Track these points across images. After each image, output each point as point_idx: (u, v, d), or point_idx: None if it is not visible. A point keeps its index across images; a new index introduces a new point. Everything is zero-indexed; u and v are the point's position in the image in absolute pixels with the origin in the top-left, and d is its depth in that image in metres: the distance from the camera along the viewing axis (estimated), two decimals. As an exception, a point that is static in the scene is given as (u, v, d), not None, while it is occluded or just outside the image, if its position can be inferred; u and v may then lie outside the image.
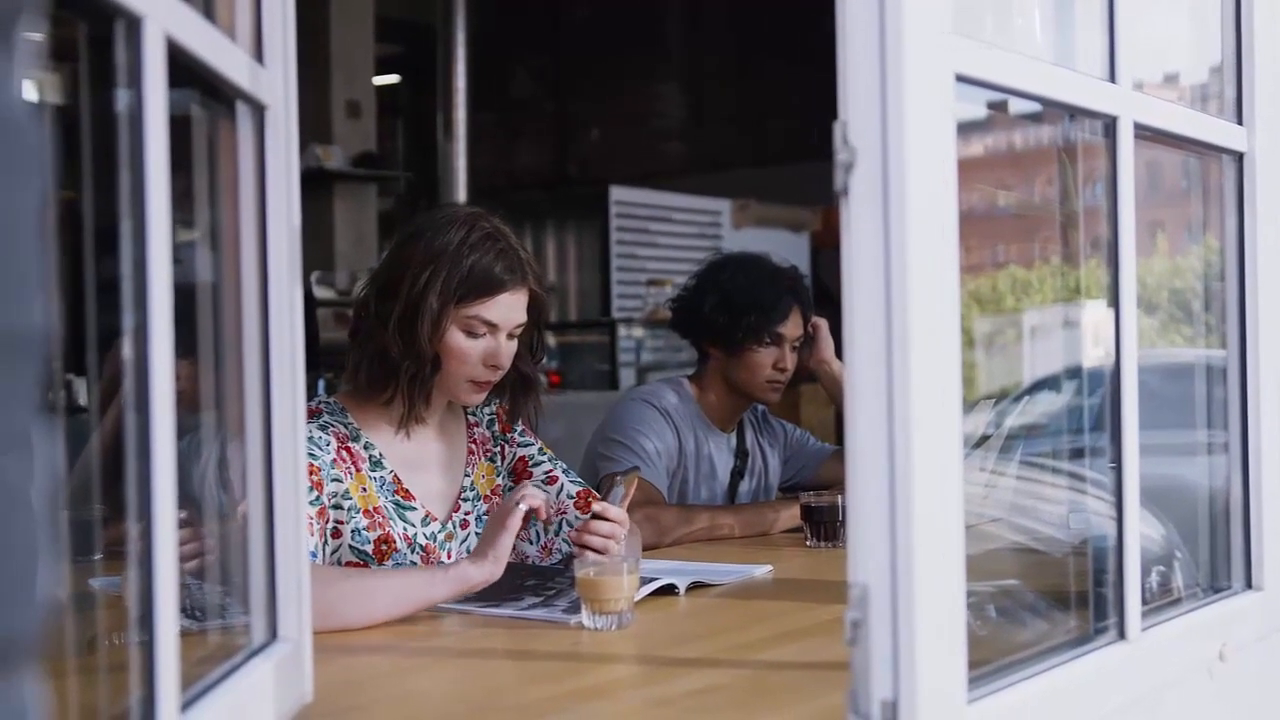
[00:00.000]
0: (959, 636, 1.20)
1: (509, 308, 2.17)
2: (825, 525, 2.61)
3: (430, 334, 2.13)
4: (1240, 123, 1.77)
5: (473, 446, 2.35)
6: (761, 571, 2.31)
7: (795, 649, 1.78)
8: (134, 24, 0.97)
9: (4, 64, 0.54)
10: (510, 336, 2.20)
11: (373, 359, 2.17)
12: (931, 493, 1.16)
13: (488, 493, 2.34)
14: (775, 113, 9.34)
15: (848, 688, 1.17)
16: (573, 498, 2.33)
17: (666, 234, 8.07)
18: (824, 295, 4.33)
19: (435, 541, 2.22)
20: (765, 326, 2.94)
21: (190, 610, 1.28)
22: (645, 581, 2.02)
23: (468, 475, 2.32)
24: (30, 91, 0.56)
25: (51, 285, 0.57)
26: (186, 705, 1.08)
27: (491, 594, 2.03)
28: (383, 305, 2.16)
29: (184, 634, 1.05)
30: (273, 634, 1.35)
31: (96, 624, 1.31)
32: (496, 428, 2.39)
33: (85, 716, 1.10)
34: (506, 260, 2.16)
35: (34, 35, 0.58)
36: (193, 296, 1.27)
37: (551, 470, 2.36)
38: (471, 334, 2.16)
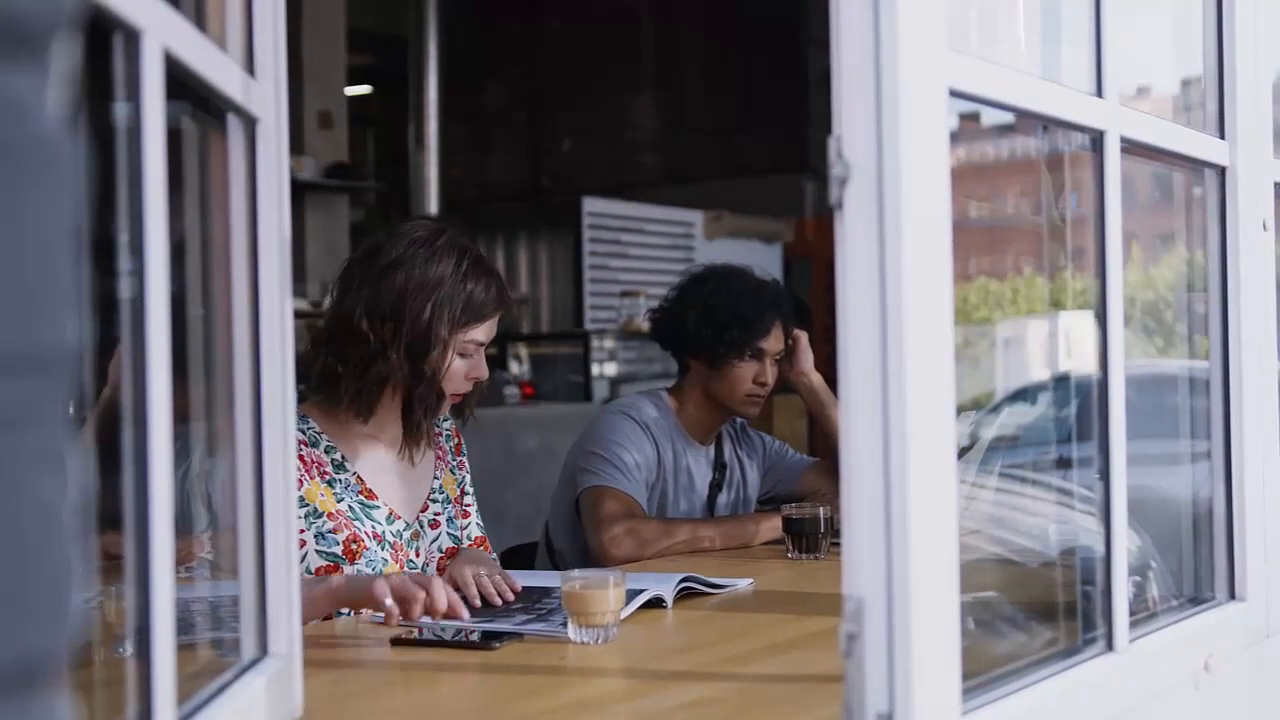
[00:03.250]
0: (954, 648, 1.20)
1: (494, 326, 2.31)
2: (807, 537, 2.62)
3: (439, 362, 2.22)
4: (1222, 137, 1.79)
5: (439, 453, 2.43)
6: (744, 584, 2.32)
7: (783, 661, 1.78)
8: (133, 37, 0.96)
9: (38, 82, 0.54)
10: (487, 350, 2.32)
11: (374, 385, 2.23)
12: (927, 505, 1.16)
13: (454, 498, 2.43)
14: (748, 124, 9.36)
15: (843, 700, 1.17)
16: (471, 540, 2.42)
17: (639, 245, 8.07)
18: (797, 306, 4.33)
19: (402, 539, 2.29)
20: (747, 341, 2.94)
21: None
22: (633, 595, 2.02)
23: (436, 478, 2.40)
24: (63, 109, 0.56)
25: (83, 303, 0.57)
26: (181, 722, 1.07)
27: (483, 613, 2.02)
28: (377, 330, 2.20)
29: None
30: (263, 650, 1.34)
31: (87, 638, 1.30)
32: (452, 445, 2.48)
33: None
34: (497, 284, 2.29)
35: (67, 54, 0.58)
36: (183, 308, 1.27)
37: (470, 506, 2.48)
38: (464, 355, 2.27)
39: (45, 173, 0.54)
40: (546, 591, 2.16)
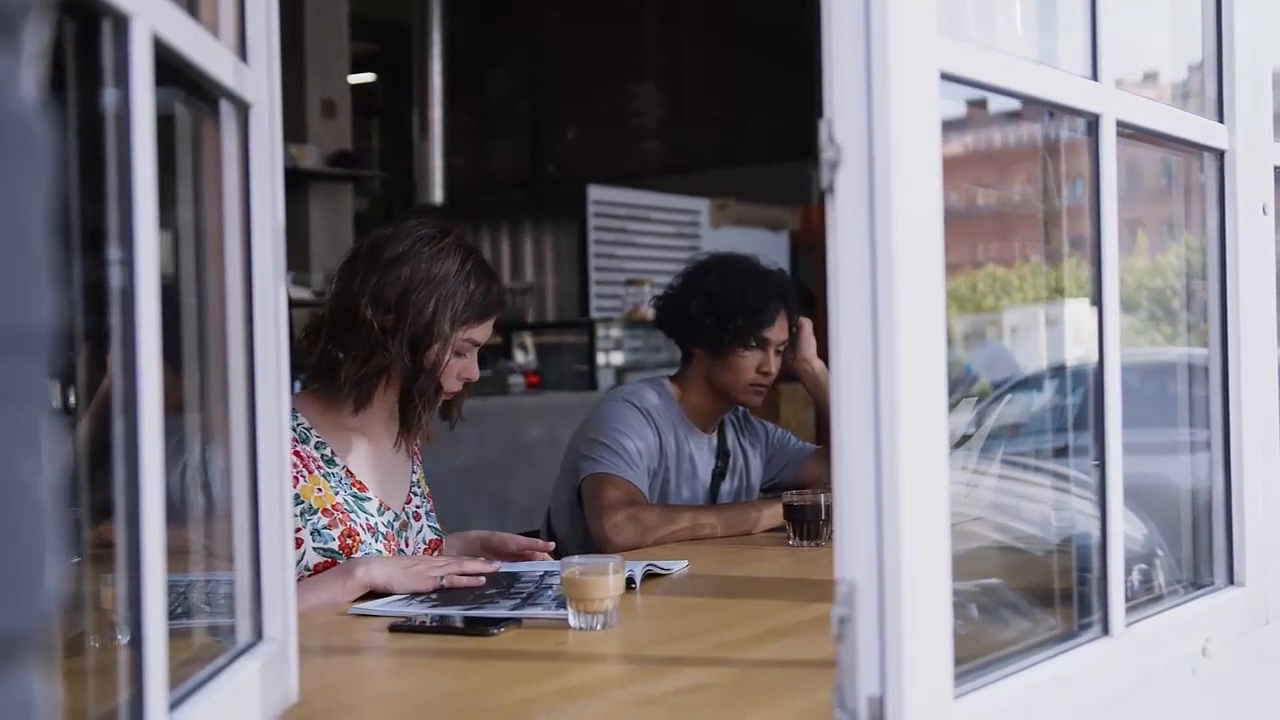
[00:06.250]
0: (945, 632, 1.20)
1: (490, 328, 2.34)
2: (807, 524, 2.62)
3: (439, 358, 2.25)
4: (1221, 120, 1.78)
5: (416, 449, 2.46)
6: (680, 566, 2.33)
7: (780, 647, 1.78)
8: (121, 22, 0.96)
9: (9, 63, 0.54)
10: (481, 349, 2.35)
11: (374, 374, 2.25)
12: (918, 489, 1.16)
13: (427, 492, 2.47)
14: (753, 112, 9.35)
15: (834, 684, 1.17)
16: (426, 543, 2.42)
17: (645, 234, 8.06)
18: (803, 295, 4.35)
19: (393, 529, 2.32)
20: (751, 330, 2.93)
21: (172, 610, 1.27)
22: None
23: (414, 472, 2.44)
24: (36, 89, 0.56)
25: (58, 283, 0.57)
26: (174, 705, 1.07)
27: (469, 602, 2.02)
28: (380, 320, 2.22)
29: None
30: (258, 634, 1.35)
31: (79, 625, 1.30)
32: (418, 444, 2.49)
33: (71, 717, 1.09)
34: (498, 288, 2.32)
35: (40, 34, 0.58)
36: (176, 296, 1.27)
37: (430, 507, 2.47)
38: (459, 354, 2.29)
39: (19, 152, 0.54)
40: (514, 577, 2.18)
